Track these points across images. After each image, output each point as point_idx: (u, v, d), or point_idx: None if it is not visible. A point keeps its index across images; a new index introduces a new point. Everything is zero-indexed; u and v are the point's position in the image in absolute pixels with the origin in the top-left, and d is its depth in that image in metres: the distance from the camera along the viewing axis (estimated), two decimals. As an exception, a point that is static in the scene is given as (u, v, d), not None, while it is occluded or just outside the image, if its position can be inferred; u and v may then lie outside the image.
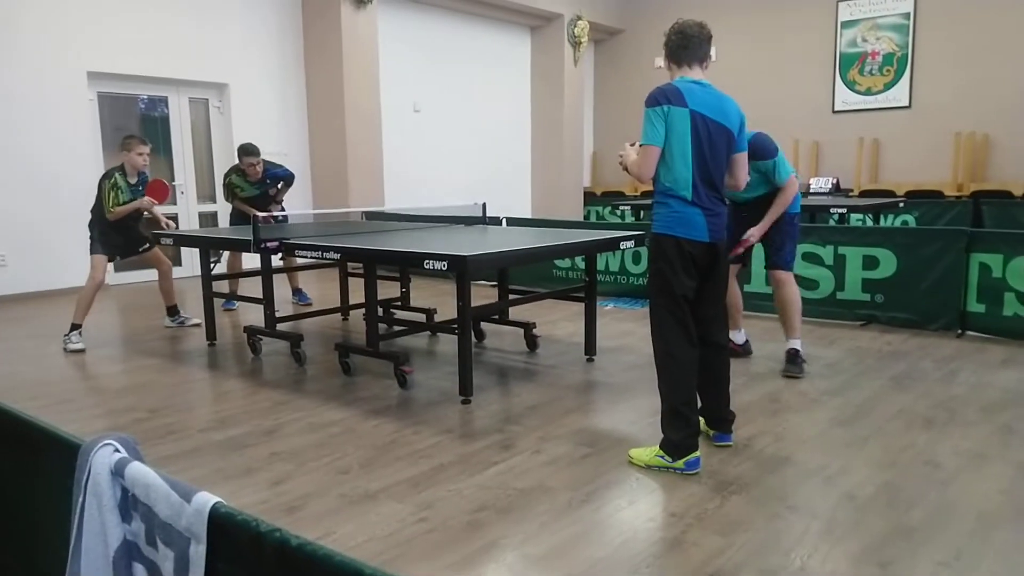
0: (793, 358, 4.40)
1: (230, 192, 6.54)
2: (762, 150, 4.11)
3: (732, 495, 2.78)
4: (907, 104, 10.62)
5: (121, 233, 5.48)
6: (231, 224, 6.68)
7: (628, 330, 5.60)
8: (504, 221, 7.16)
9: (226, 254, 6.68)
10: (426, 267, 3.69)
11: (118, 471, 1.36)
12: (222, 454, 3.27)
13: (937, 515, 2.60)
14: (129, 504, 1.35)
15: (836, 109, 11.15)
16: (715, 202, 3.01)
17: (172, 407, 3.95)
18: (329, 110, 9.28)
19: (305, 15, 9.34)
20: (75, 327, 5.21)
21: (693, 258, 2.98)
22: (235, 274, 6.29)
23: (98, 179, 5.48)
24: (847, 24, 10.96)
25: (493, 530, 2.53)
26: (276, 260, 4.89)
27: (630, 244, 4.62)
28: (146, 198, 5.34)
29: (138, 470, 1.34)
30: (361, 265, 4.58)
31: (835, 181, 10.82)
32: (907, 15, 10.46)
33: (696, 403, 3.09)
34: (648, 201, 8.61)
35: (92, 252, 5.36)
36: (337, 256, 4.20)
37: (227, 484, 2.94)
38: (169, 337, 5.61)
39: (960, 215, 9.30)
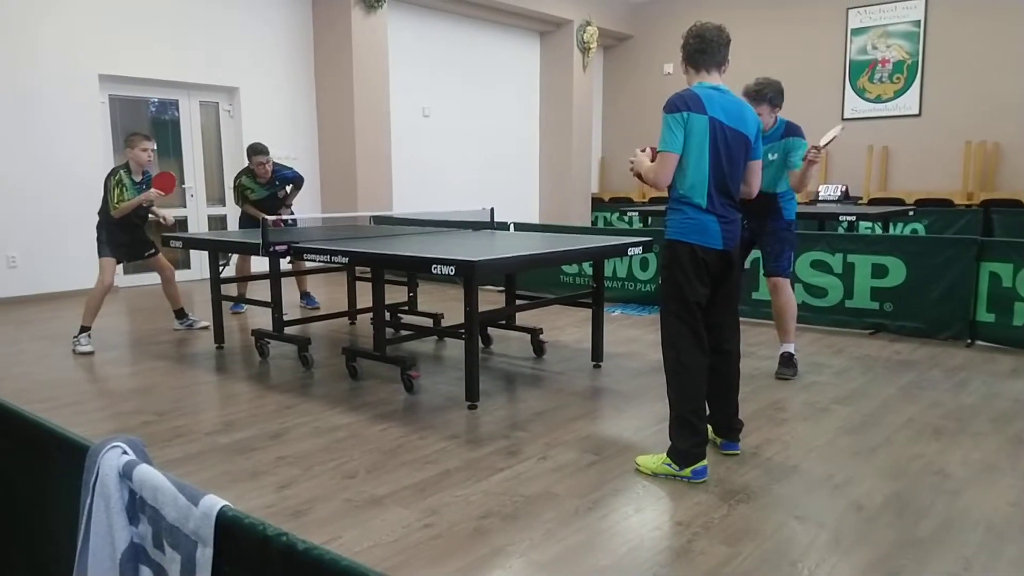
0: (787, 361, 4.51)
1: (240, 195, 6.57)
2: (799, 129, 4.31)
3: (739, 504, 2.77)
4: (917, 112, 10.58)
5: (127, 233, 5.48)
6: (241, 227, 6.70)
7: (635, 336, 5.59)
8: (512, 226, 7.17)
9: (235, 256, 6.71)
10: (434, 272, 3.69)
11: (126, 473, 1.36)
12: (229, 457, 3.27)
13: (946, 526, 2.58)
14: (137, 506, 1.35)
15: (846, 116, 11.12)
16: (729, 210, 3.01)
17: (180, 410, 3.96)
18: (339, 114, 9.32)
19: (316, 20, 9.39)
20: (84, 329, 5.24)
21: (707, 265, 2.97)
22: (243, 277, 6.32)
23: (104, 178, 5.51)
24: (857, 31, 10.93)
25: (499, 536, 2.53)
26: (284, 264, 4.89)
27: (638, 250, 4.61)
28: (152, 190, 5.33)
29: (146, 473, 1.34)
30: (369, 269, 4.59)
31: (844, 188, 10.77)
32: (917, 23, 10.43)
33: (705, 412, 3.07)
34: (656, 208, 8.61)
35: (100, 255, 5.38)
36: (345, 260, 4.21)
37: (233, 487, 2.94)
38: (177, 340, 5.63)
39: (970, 224, 9.25)
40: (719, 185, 2.95)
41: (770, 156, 4.30)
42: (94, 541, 1.37)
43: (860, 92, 10.99)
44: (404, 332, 5.29)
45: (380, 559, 2.38)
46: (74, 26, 7.41)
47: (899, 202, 10.02)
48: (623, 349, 5.15)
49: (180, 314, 5.93)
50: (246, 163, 6.53)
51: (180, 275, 8.43)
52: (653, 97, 13.00)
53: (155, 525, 1.31)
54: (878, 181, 10.95)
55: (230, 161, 8.82)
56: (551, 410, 3.89)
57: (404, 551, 2.43)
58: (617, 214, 11.64)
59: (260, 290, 6.23)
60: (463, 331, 3.97)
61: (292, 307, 6.42)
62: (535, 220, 11.96)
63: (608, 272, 6.83)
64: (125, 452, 1.40)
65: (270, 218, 6.07)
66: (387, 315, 5.13)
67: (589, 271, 6.37)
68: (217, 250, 5.41)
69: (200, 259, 8.33)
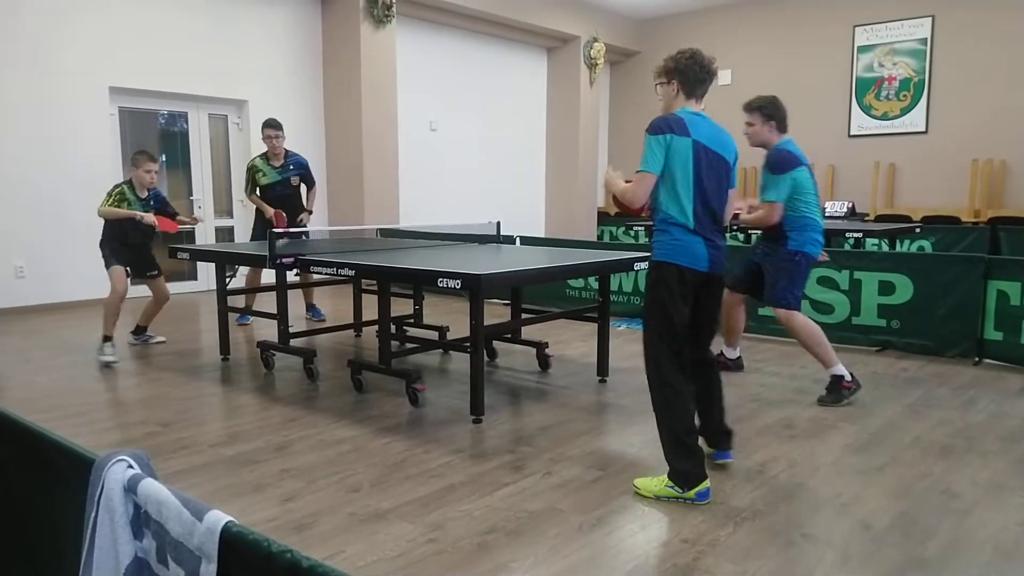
0: (831, 385, 4.27)
1: (251, 181, 6.57)
2: (781, 162, 4.27)
3: (745, 522, 2.75)
4: (924, 129, 10.58)
5: (131, 251, 5.50)
6: (254, 236, 6.69)
7: (641, 351, 5.56)
8: (518, 240, 7.17)
9: (244, 268, 6.74)
10: (440, 285, 3.70)
11: (131, 487, 1.36)
12: (233, 470, 3.27)
13: (954, 547, 2.56)
14: (141, 521, 1.35)
15: (852, 133, 11.13)
16: (716, 234, 3.02)
17: (184, 421, 3.96)
18: (346, 127, 9.36)
19: (325, 34, 9.46)
20: (107, 339, 5.23)
21: (693, 287, 2.98)
22: (251, 289, 6.33)
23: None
24: (864, 49, 10.96)
25: (503, 553, 2.51)
26: (291, 276, 4.90)
27: (644, 265, 4.61)
28: (153, 216, 5.35)
29: (151, 487, 1.34)
30: (375, 282, 4.60)
31: (851, 205, 10.76)
32: (924, 40, 10.45)
33: (696, 432, 3.05)
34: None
35: (108, 266, 5.39)
36: (352, 273, 4.22)
37: (237, 500, 2.94)
38: (183, 351, 5.63)
39: (977, 241, 9.22)
40: (705, 207, 2.96)
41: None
42: (98, 555, 1.37)
43: (866, 109, 11.00)
44: (409, 345, 5.29)
45: (384, 574, 2.37)
46: (85, 39, 7.47)
47: (906, 219, 9.99)
48: (629, 364, 5.14)
49: (140, 330, 5.82)
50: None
51: (187, 286, 8.50)
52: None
53: (159, 540, 1.31)
54: (884, 198, 10.93)
55: (238, 174, 8.85)
56: (556, 425, 3.88)
57: (408, 566, 2.42)
58: (623, 229, 11.64)
59: (267, 302, 6.25)
60: (468, 344, 3.97)
61: (298, 319, 6.43)
62: (541, 234, 11.97)
63: (614, 286, 6.82)
64: (131, 466, 1.40)
65: (272, 210, 6.09)
66: (393, 328, 5.13)
67: (595, 285, 6.36)
68: (224, 262, 5.43)
69: (207, 271, 8.35)
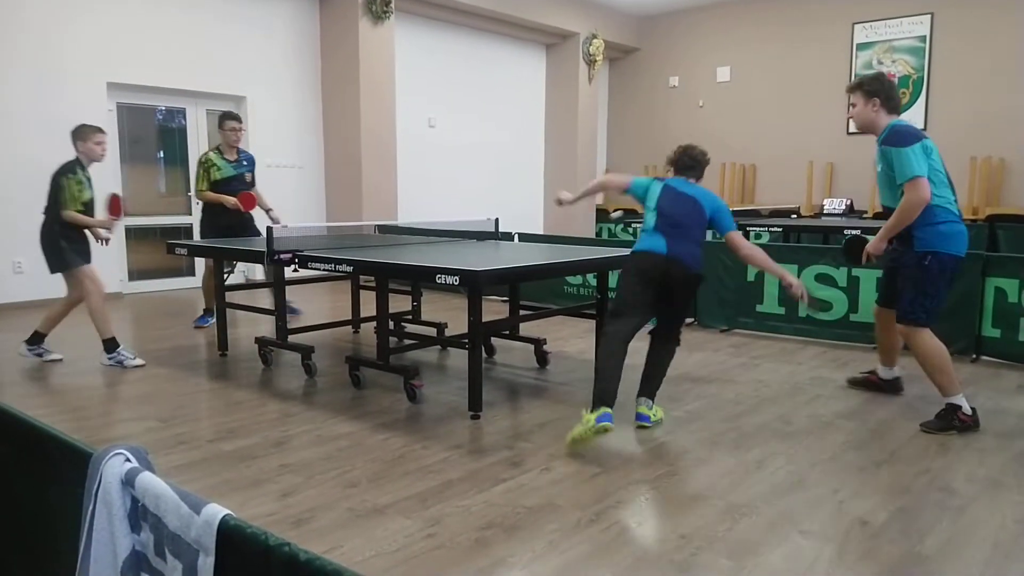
0: (944, 413, 3.69)
1: (203, 175, 6.06)
2: (894, 135, 3.65)
3: (743, 518, 2.75)
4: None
5: (86, 240, 5.06)
6: (206, 234, 6.18)
7: (639, 348, 5.56)
8: (516, 236, 7.17)
9: (237, 264, 6.66)
10: (438, 281, 3.69)
11: (129, 481, 1.36)
12: (231, 465, 3.27)
13: (951, 543, 2.56)
14: (139, 514, 1.35)
15: (851, 131, 11.12)
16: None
17: (183, 417, 3.96)
18: (345, 124, 9.35)
19: (323, 30, 9.44)
20: (114, 344, 4.96)
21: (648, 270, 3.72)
22: (250, 285, 6.28)
23: (53, 175, 4.95)
24: (863, 46, 10.95)
25: (501, 548, 2.51)
26: (289, 272, 4.88)
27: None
28: (107, 218, 4.94)
29: (149, 480, 1.34)
30: (373, 278, 4.60)
31: (849, 202, 10.78)
32: (923, 38, 10.44)
33: (610, 375, 3.51)
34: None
35: (74, 266, 4.87)
36: (350, 269, 4.21)
37: (235, 495, 2.94)
38: (181, 347, 5.63)
39: (975, 239, 9.19)
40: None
41: (877, 167, 3.81)
42: (96, 548, 1.37)
43: (865, 106, 10.99)
44: (408, 341, 5.29)
45: (382, 569, 2.37)
46: (84, 35, 7.45)
47: (904, 216, 9.98)
48: (627, 361, 5.13)
49: (39, 338, 5.08)
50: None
51: (183, 282, 8.49)
52: (658, 110, 13.04)
53: (157, 533, 1.31)
54: (883, 195, 10.94)
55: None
56: (554, 421, 3.88)
57: (406, 561, 2.42)
58: (621, 226, 11.64)
59: (258, 298, 6.24)
60: (467, 341, 3.97)
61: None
62: (539, 231, 11.96)
63: (612, 283, 6.81)
64: (128, 460, 1.40)
65: (231, 199, 5.88)
66: (391, 324, 5.13)
67: (593, 282, 6.37)
68: (222, 258, 5.42)
69: (203, 265, 8.32)
